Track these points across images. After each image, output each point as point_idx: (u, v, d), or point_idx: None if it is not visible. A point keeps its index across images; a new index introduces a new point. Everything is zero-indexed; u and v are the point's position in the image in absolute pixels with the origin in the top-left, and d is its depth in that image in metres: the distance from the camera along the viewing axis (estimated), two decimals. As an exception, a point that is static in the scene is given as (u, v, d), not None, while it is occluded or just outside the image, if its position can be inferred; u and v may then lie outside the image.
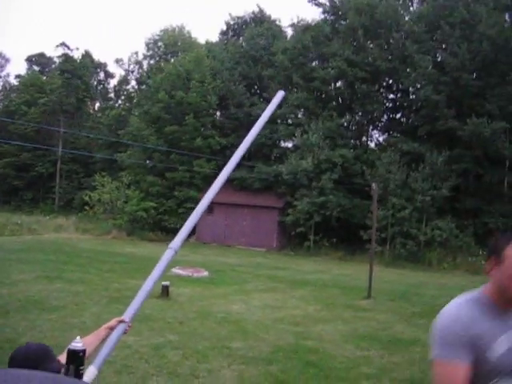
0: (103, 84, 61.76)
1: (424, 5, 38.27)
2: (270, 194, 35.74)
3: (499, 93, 32.33)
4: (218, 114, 43.26)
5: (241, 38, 47.66)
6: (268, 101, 39.35)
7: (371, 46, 36.30)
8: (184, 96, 37.23)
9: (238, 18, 50.30)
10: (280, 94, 3.09)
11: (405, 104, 37.84)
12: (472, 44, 32.88)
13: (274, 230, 35.03)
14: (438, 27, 34.85)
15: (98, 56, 70.72)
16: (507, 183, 33.16)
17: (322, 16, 41.05)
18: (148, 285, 2.51)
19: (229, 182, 36.63)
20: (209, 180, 36.84)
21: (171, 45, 51.37)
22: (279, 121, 38.13)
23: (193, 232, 35.95)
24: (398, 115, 39.47)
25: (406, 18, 37.88)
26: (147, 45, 53.20)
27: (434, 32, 35.46)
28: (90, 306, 12.17)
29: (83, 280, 15.77)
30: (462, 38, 33.34)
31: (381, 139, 39.34)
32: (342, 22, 38.51)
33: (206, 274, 19.25)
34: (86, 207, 37.17)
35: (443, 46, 35.79)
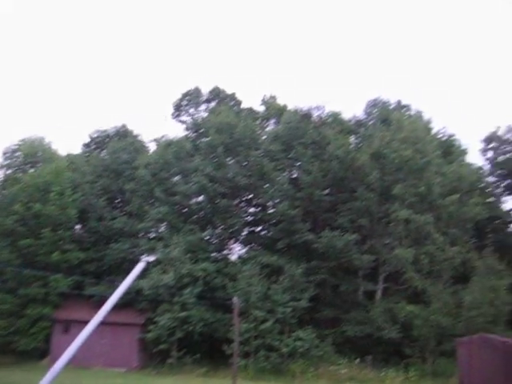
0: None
1: (279, 126, 41.12)
2: (131, 311, 34.49)
3: (349, 207, 34.92)
4: (78, 227, 41.97)
5: (103, 152, 47.62)
6: (130, 215, 39.17)
7: (231, 162, 37.91)
8: (42, 208, 35.87)
9: (102, 131, 50.53)
10: (141, 265, 3.16)
11: (264, 218, 39.31)
12: (323, 163, 35.60)
13: (134, 348, 33.63)
14: (292, 147, 37.47)
15: None
16: (361, 292, 34.99)
17: (185, 133, 42.64)
18: None
19: (87, 298, 35.02)
20: (65, 297, 35.02)
21: (31, 155, 49.96)
22: (141, 235, 37.86)
23: (47, 353, 33.39)
24: (258, 229, 40.81)
25: (263, 138, 40.33)
26: (5, 154, 51.29)
27: (288, 151, 38.01)
28: None
29: None
30: (314, 157, 36.04)
31: (242, 252, 40.13)
32: (204, 139, 40.10)
33: (59, 399, 17.75)
34: None
35: (298, 164, 38.31)
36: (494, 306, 29.26)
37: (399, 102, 44.78)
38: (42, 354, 33.39)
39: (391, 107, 43.89)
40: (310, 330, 32.00)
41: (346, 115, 42.42)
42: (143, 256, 37.40)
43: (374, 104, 44.70)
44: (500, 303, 29.48)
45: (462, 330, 28.44)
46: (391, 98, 44.81)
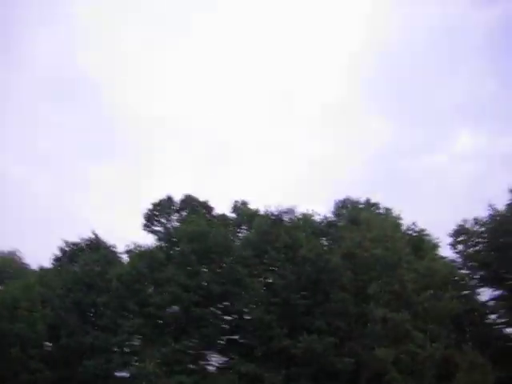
0: None
1: (251, 231, 41.31)
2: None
3: (325, 310, 34.55)
4: (49, 344, 40.34)
5: (75, 265, 46.89)
6: (103, 329, 37.89)
7: (204, 270, 37.64)
8: (10, 327, 34.63)
9: (74, 244, 49.98)
10: None
11: (240, 325, 38.49)
12: (296, 266, 35.59)
13: None
14: (265, 251, 37.51)
15: None
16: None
17: (157, 243, 42.45)
18: None
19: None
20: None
21: (1, 271, 49.15)
22: (114, 349, 36.66)
23: None
24: (235, 337, 39.78)
25: (236, 244, 40.34)
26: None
27: (262, 256, 37.97)
28: None
29: None
30: (287, 261, 36.07)
31: (220, 362, 38.80)
32: (176, 249, 39.97)
33: None
34: None
35: (271, 268, 38.17)
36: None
37: (368, 201, 45.70)
38: None
39: (360, 206, 44.71)
40: None
41: (317, 217, 42.83)
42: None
43: (343, 204, 45.54)
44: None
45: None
46: (360, 196, 45.77)
